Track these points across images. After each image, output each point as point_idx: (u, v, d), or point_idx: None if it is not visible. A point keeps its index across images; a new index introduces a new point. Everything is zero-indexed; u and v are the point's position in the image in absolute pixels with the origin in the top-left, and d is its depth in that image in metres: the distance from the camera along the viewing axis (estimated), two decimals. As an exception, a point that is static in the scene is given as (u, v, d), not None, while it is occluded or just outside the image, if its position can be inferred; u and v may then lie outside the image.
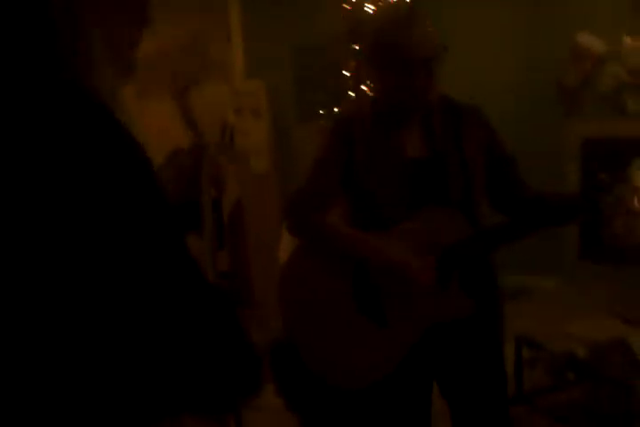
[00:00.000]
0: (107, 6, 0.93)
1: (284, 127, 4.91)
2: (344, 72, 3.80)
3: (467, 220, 1.77)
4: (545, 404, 2.94)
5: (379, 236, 1.77)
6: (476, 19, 4.65)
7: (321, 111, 3.97)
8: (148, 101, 6.66)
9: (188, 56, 6.61)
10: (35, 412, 0.82)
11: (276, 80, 4.81)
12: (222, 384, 0.95)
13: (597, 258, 4.52)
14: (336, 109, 3.81)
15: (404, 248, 1.73)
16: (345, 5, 3.75)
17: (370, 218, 1.82)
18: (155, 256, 0.85)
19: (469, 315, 1.79)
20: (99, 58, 0.90)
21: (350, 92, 3.73)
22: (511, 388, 2.84)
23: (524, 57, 4.77)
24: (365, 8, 3.64)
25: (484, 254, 1.82)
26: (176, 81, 6.28)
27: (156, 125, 4.75)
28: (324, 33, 4.52)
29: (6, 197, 0.78)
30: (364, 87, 3.64)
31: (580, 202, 1.81)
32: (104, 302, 0.82)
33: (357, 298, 1.81)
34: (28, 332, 0.81)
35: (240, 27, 5.03)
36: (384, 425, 1.90)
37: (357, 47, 3.57)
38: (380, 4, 3.60)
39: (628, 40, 4.38)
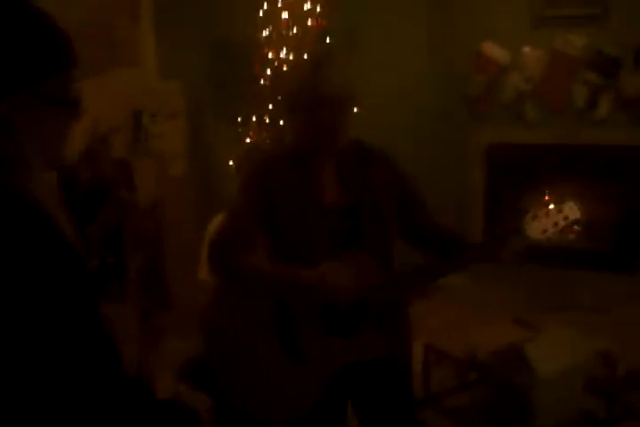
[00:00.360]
0: (38, 113, 0.99)
1: (200, 128, 4.92)
2: (261, 82, 3.86)
3: (379, 264, 1.84)
4: (450, 405, 3.12)
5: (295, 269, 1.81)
6: (382, 27, 4.77)
7: (239, 118, 4.01)
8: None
9: (93, 39, 6.49)
10: None
11: (191, 80, 4.81)
12: None
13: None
14: (253, 118, 3.88)
15: (326, 275, 1.77)
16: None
17: (289, 260, 1.85)
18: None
19: (384, 354, 1.88)
20: (31, 160, 0.97)
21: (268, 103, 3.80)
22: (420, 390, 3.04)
23: (432, 67, 4.94)
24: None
25: (396, 296, 1.91)
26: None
27: None
28: (239, 29, 4.56)
29: None
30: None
31: (480, 250, 1.91)
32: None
33: (278, 334, 1.86)
34: None
35: (152, 21, 4.98)
36: None
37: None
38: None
39: (527, 50, 4.62)
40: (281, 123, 3.79)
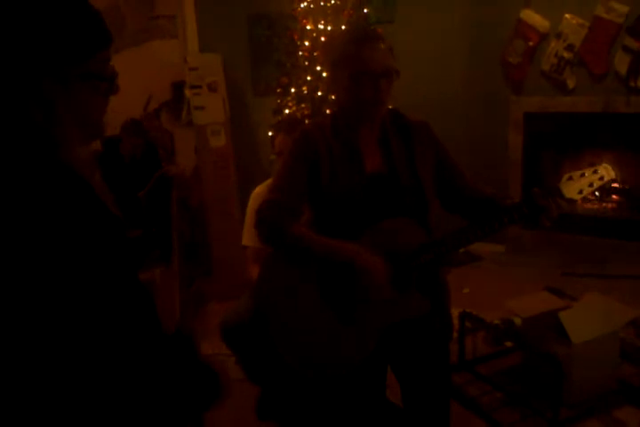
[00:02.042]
0: (78, 89, 1.06)
1: (239, 101, 4.99)
2: (299, 53, 3.89)
3: (421, 228, 1.92)
4: (485, 371, 3.18)
5: (345, 242, 1.86)
6: (423, 2, 4.77)
7: (278, 90, 4.06)
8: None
9: (135, 12, 6.56)
10: None
11: (231, 53, 4.87)
12: (184, 403, 1.12)
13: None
14: (293, 90, 3.92)
15: (369, 252, 1.84)
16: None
17: (333, 229, 1.91)
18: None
19: (426, 313, 1.95)
20: (71, 132, 1.04)
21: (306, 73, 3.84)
22: (454, 356, 3.11)
23: (472, 35, 4.92)
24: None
25: (437, 260, 1.96)
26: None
27: None
28: (277, 1, 4.60)
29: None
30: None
31: (519, 209, 1.91)
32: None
33: (327, 296, 1.93)
34: None
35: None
36: (345, 402, 2.11)
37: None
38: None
39: (568, 17, 4.56)
40: (319, 94, 3.83)
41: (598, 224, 4.74)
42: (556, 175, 4.93)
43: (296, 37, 3.93)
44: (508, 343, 3.36)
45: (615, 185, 4.67)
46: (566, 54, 4.61)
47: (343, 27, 3.77)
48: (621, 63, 4.46)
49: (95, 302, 0.99)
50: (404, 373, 2.09)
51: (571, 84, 4.66)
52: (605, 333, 2.91)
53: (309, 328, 1.96)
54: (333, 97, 2.02)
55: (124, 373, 1.02)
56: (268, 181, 3.19)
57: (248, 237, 3.08)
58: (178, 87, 5.70)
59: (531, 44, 4.70)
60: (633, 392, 2.92)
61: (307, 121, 3.11)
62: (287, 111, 3.90)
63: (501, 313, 3.44)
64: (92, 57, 1.07)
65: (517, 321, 3.30)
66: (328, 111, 3.79)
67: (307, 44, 3.89)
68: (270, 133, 3.93)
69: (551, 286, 3.93)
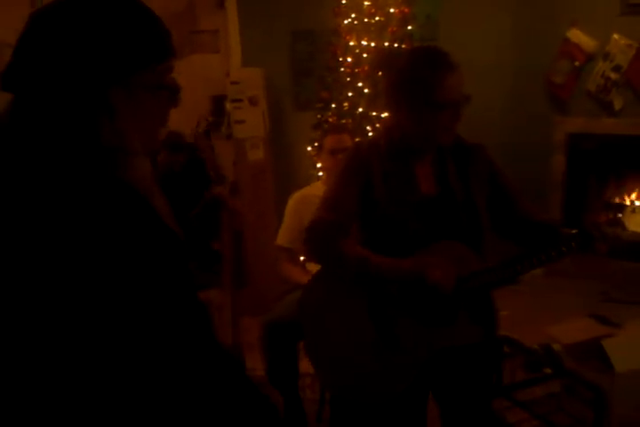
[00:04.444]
0: (142, 98, 1.06)
1: (279, 115, 4.99)
2: (342, 69, 3.88)
3: (475, 253, 1.88)
4: (523, 398, 3.10)
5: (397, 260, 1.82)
6: (466, 16, 4.71)
7: (319, 105, 4.04)
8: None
9: (177, 26, 6.65)
10: None
11: (273, 67, 4.88)
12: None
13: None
14: (333, 105, 3.91)
15: (425, 263, 1.80)
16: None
17: (382, 250, 1.87)
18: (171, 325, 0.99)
19: (477, 341, 1.91)
20: (133, 144, 1.04)
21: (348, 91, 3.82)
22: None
23: (516, 53, 4.86)
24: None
25: (492, 287, 1.92)
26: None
27: None
28: (321, 17, 4.59)
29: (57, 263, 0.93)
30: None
31: (577, 239, 1.87)
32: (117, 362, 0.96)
33: (374, 322, 1.88)
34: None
35: (236, 9, 5.06)
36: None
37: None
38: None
39: (616, 38, 4.48)
40: (360, 110, 3.81)
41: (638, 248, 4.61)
42: (599, 199, 4.83)
43: (339, 53, 3.92)
44: (547, 370, 3.26)
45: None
46: (613, 75, 4.52)
47: (396, 45, 3.75)
48: (670, 85, 4.36)
49: (158, 319, 0.97)
50: (447, 401, 2.03)
51: (617, 105, 4.56)
52: (651, 363, 2.81)
53: (350, 350, 1.91)
54: (390, 117, 1.96)
55: (182, 391, 1.00)
56: (307, 188, 3.21)
57: (284, 238, 3.13)
58: (218, 101, 5.73)
59: (577, 63, 4.61)
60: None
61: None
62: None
63: (541, 338, 3.34)
64: (157, 66, 1.07)
65: (557, 347, 3.20)
66: (369, 128, 3.77)
67: (349, 60, 3.87)
68: (310, 149, 3.93)
69: (592, 312, 3.82)
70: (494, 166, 2.00)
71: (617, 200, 4.70)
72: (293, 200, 3.15)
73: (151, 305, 0.96)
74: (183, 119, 5.74)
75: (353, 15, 3.88)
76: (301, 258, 3.20)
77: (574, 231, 1.88)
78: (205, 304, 1.05)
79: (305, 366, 3.11)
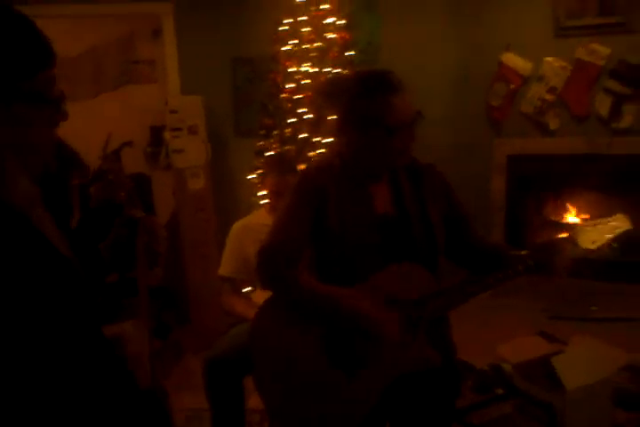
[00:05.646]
0: (20, 111, 0.97)
1: (220, 143, 4.94)
2: (282, 95, 3.86)
3: (431, 275, 1.84)
4: (476, 420, 3.06)
5: (350, 291, 1.77)
6: (406, 41, 4.77)
7: (261, 132, 4.01)
8: (75, 102, 6.58)
9: (115, 56, 6.56)
10: None
11: (212, 95, 4.84)
12: None
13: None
14: (276, 132, 3.88)
15: (375, 304, 1.76)
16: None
17: (337, 272, 1.83)
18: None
19: (437, 366, 1.85)
20: (11, 161, 0.96)
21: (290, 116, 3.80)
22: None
23: (456, 77, 4.93)
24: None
25: (447, 309, 1.89)
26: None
27: (82, 124, 4.71)
28: (261, 44, 4.58)
29: None
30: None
31: (529, 261, 1.90)
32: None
33: (330, 348, 1.82)
34: None
35: (174, 38, 5.03)
36: None
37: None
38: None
39: (550, 60, 4.60)
40: (302, 136, 3.79)
41: (583, 266, 4.69)
42: (539, 219, 4.91)
43: (279, 79, 3.90)
44: (499, 391, 3.25)
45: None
46: (548, 96, 4.63)
47: (338, 70, 3.76)
48: (602, 105, 4.48)
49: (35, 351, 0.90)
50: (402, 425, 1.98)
51: (553, 125, 4.66)
52: (599, 378, 2.82)
53: (305, 381, 1.83)
54: (341, 142, 1.93)
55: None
56: (250, 216, 3.15)
57: (226, 268, 3.04)
58: (157, 131, 5.65)
59: (512, 86, 4.71)
60: (629, 441, 2.83)
61: (295, 162, 3.06)
62: (272, 153, 3.85)
63: (490, 359, 3.34)
64: (34, 76, 0.99)
65: (507, 367, 3.20)
66: (311, 154, 3.75)
67: (290, 86, 3.86)
68: (252, 176, 3.88)
69: (539, 329, 3.85)
70: (449, 187, 1.99)
71: (557, 218, 4.79)
72: (235, 229, 3.08)
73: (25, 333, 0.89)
74: (123, 150, 5.65)
75: (292, 41, 3.87)
76: (245, 289, 3.12)
77: (524, 253, 1.90)
78: (116, 339, 0.98)
79: (253, 402, 3.02)
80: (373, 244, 1.83)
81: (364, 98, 1.80)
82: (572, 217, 4.72)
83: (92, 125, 4.74)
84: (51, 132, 1.05)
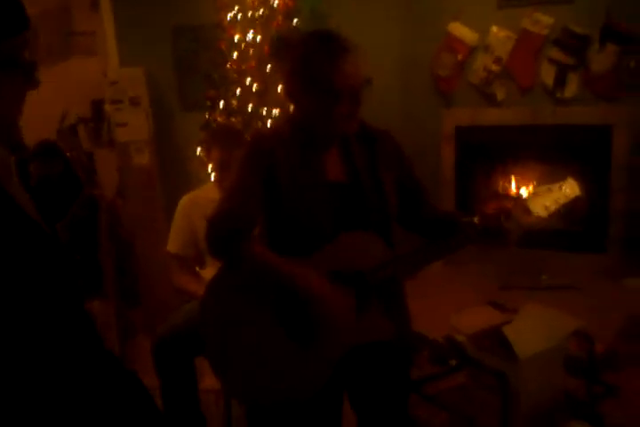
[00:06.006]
0: None
1: (165, 116, 4.81)
2: (228, 65, 3.76)
3: (384, 243, 1.80)
4: (432, 391, 3.08)
5: (301, 261, 1.73)
6: (352, 9, 4.69)
7: (208, 103, 3.89)
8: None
9: (53, 29, 6.33)
10: None
11: (154, 66, 4.69)
12: None
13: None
14: (222, 104, 3.78)
15: (318, 277, 1.71)
16: None
17: (290, 241, 1.79)
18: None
19: (391, 337, 1.83)
20: None
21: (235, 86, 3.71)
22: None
23: (403, 47, 4.89)
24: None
25: (401, 276, 1.85)
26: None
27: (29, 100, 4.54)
28: (203, 11, 4.45)
29: None
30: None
31: (483, 226, 1.88)
32: None
33: (282, 319, 1.78)
34: None
35: (111, 9, 4.85)
36: None
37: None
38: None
39: (495, 30, 4.58)
40: (249, 107, 3.70)
41: (532, 236, 4.75)
42: (488, 188, 4.94)
43: (224, 48, 3.79)
44: (453, 362, 3.27)
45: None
46: (494, 67, 4.63)
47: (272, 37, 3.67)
48: (547, 75, 4.51)
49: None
50: (362, 400, 1.95)
51: (500, 96, 4.68)
52: (551, 345, 2.86)
53: (258, 353, 1.79)
54: (291, 107, 1.86)
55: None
56: (198, 190, 3.05)
57: (174, 244, 2.95)
58: (98, 105, 5.47)
59: (459, 57, 4.70)
60: (579, 406, 2.87)
61: (242, 135, 2.97)
62: (216, 125, 3.75)
63: (444, 330, 3.35)
64: (8, 40, 0.94)
65: (460, 338, 3.22)
66: (260, 124, 3.67)
67: (235, 55, 3.76)
68: (200, 148, 3.77)
69: (490, 299, 3.88)
70: (402, 153, 1.94)
71: (505, 190, 4.82)
72: (183, 203, 2.99)
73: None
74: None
75: (236, 8, 3.76)
76: (196, 268, 3.04)
77: (476, 219, 1.87)
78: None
79: (208, 382, 2.96)
80: (325, 213, 1.78)
81: (311, 60, 1.73)
82: (520, 188, 4.76)
83: (30, 100, 4.56)
84: (20, 99, 1.01)
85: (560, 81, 4.49)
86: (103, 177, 5.38)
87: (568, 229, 4.73)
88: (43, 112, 4.71)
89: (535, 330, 2.89)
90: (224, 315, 1.81)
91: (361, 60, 1.75)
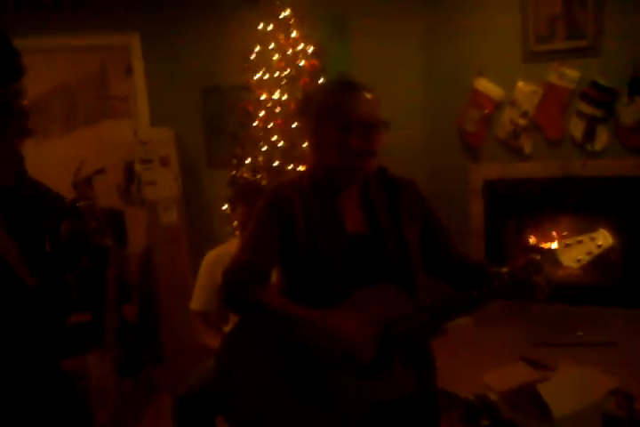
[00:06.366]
0: None
1: (193, 175, 4.86)
2: (255, 124, 3.81)
3: (407, 296, 1.76)
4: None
5: (321, 313, 1.69)
6: (376, 66, 4.74)
7: (234, 161, 3.94)
8: (48, 138, 6.52)
9: (90, 91, 6.52)
10: None
11: (183, 126, 4.77)
12: None
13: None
14: (248, 161, 3.81)
15: (347, 324, 1.67)
16: None
17: (309, 294, 1.75)
18: None
19: (412, 392, 1.76)
20: None
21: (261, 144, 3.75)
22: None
23: (428, 103, 4.93)
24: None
25: (425, 331, 1.79)
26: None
27: (56, 161, 4.63)
28: (231, 73, 4.53)
29: None
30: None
31: (511, 279, 1.80)
32: None
33: (298, 381, 1.73)
34: None
35: (142, 71, 4.97)
36: None
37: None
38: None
39: (521, 85, 4.59)
40: (275, 164, 3.73)
41: (566, 291, 4.63)
42: (518, 242, 4.85)
43: (251, 108, 3.85)
44: (485, 422, 3.15)
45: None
46: (521, 121, 4.62)
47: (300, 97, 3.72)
48: (576, 128, 4.47)
49: None
50: None
51: (527, 149, 4.64)
52: (587, 405, 2.75)
53: (273, 413, 1.73)
54: (312, 154, 1.87)
55: None
56: (223, 246, 3.04)
57: (197, 301, 2.94)
58: (130, 166, 5.56)
59: (486, 111, 4.70)
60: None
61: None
62: (241, 182, 3.78)
63: (475, 388, 3.23)
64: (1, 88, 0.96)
65: (493, 396, 3.10)
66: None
67: (262, 114, 3.81)
68: (225, 206, 3.79)
69: (523, 356, 3.76)
70: (426, 203, 1.92)
71: (535, 242, 4.74)
72: (208, 259, 2.98)
73: None
74: (96, 186, 5.55)
75: (263, 70, 3.84)
76: (219, 325, 3.00)
77: (504, 269, 1.81)
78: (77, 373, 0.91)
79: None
80: (344, 265, 1.74)
81: (326, 98, 1.79)
82: (550, 240, 4.67)
83: (66, 162, 4.66)
84: (11, 147, 1.01)
85: (589, 134, 4.45)
86: (134, 235, 5.43)
87: (604, 284, 4.61)
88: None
89: (571, 389, 2.80)
90: (238, 371, 1.77)
91: (375, 99, 1.78)
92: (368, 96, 1.77)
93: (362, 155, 1.75)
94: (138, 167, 4.56)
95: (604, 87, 4.35)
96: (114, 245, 2.70)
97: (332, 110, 1.75)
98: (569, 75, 4.42)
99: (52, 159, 4.78)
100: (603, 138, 4.41)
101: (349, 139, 1.73)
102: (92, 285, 1.86)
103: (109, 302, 2.62)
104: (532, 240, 4.74)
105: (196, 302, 2.95)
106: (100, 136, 6.32)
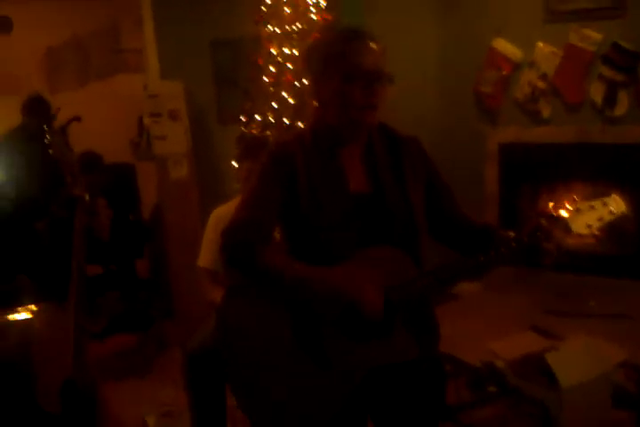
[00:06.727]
0: None
1: (203, 130, 4.78)
2: (264, 78, 3.72)
3: (411, 258, 1.71)
4: (468, 420, 2.94)
5: (326, 269, 1.64)
6: (390, 26, 4.60)
7: (241, 117, 3.86)
8: (61, 92, 6.45)
9: (101, 45, 6.43)
10: None
11: (193, 80, 4.68)
12: None
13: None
14: (257, 117, 3.73)
15: (352, 279, 1.62)
16: None
17: (309, 253, 1.70)
18: None
19: (414, 357, 1.71)
20: None
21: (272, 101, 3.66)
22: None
23: (442, 64, 4.81)
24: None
25: (428, 295, 1.74)
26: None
27: (64, 116, 4.59)
28: (241, 26, 4.42)
29: None
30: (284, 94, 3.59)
31: (518, 243, 1.75)
32: None
33: (299, 339, 1.70)
34: None
35: (152, 23, 4.86)
36: None
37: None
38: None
39: (541, 46, 4.45)
40: (285, 121, 3.64)
41: (579, 260, 4.56)
42: (533, 208, 4.78)
43: (261, 62, 3.75)
44: (492, 388, 3.12)
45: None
46: (540, 83, 4.49)
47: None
48: (596, 92, 4.34)
49: None
50: (386, 424, 1.84)
51: (545, 113, 4.52)
52: (595, 376, 2.71)
53: (275, 371, 1.71)
54: (317, 106, 1.81)
55: None
56: (231, 202, 2.99)
57: (204, 258, 2.93)
58: (141, 120, 5.49)
59: (504, 73, 4.57)
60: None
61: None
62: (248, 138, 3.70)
63: (483, 355, 3.20)
64: None
65: (500, 364, 3.07)
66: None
67: (272, 69, 3.71)
68: (234, 163, 3.72)
69: (533, 325, 3.72)
70: (430, 161, 1.86)
71: (549, 209, 4.66)
72: (214, 217, 2.94)
73: None
74: (109, 140, 5.50)
75: (274, 23, 3.72)
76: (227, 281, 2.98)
77: (512, 234, 1.75)
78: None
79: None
80: (346, 225, 1.70)
81: (329, 46, 1.74)
82: (562, 206, 4.59)
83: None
84: None
85: (610, 99, 4.32)
86: (145, 191, 5.40)
87: (618, 254, 4.53)
88: (91, 128, 4.74)
89: (579, 359, 2.76)
90: (239, 328, 1.74)
91: (381, 50, 1.71)
92: (373, 46, 1.70)
93: (362, 107, 1.69)
94: (147, 121, 4.50)
95: (627, 50, 4.21)
96: (83, 195, 2.65)
97: (334, 58, 1.69)
98: (591, 37, 4.27)
99: (65, 113, 4.73)
100: (624, 103, 4.29)
101: (351, 89, 1.67)
102: (65, 235, 1.81)
103: (75, 252, 2.57)
104: (550, 205, 4.66)
105: (203, 258, 2.93)
106: (113, 90, 6.26)
